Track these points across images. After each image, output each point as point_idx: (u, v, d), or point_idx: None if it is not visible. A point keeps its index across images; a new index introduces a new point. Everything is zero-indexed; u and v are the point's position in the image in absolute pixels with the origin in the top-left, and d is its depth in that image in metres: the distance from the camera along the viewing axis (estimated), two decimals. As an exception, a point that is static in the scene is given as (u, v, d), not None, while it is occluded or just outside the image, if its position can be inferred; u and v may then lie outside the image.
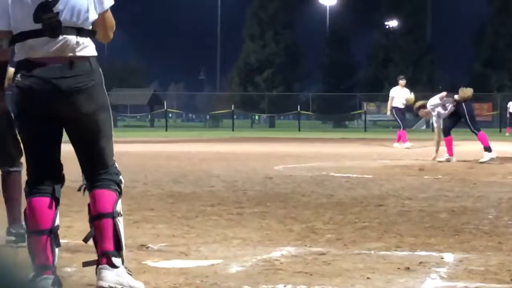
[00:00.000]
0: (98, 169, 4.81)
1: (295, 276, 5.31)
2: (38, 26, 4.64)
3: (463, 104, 16.36)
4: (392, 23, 74.69)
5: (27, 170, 4.88)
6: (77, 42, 4.69)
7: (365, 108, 61.03)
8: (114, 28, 4.89)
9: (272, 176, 13.00)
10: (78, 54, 4.69)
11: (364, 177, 12.86)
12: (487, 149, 16.27)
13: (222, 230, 7.26)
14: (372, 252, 6.21)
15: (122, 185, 4.89)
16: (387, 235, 7.01)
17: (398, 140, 25.54)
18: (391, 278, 5.26)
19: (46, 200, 4.78)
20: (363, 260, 5.85)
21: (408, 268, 5.56)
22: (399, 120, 25.85)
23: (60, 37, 4.65)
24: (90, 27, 4.76)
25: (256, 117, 76.23)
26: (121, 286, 4.63)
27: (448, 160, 16.35)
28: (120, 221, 4.75)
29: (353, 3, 78.75)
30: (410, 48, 71.88)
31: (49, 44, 4.66)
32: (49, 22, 4.61)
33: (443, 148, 16.89)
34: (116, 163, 4.92)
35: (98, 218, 4.72)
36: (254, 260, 5.85)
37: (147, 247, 6.30)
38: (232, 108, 53.21)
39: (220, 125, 67.23)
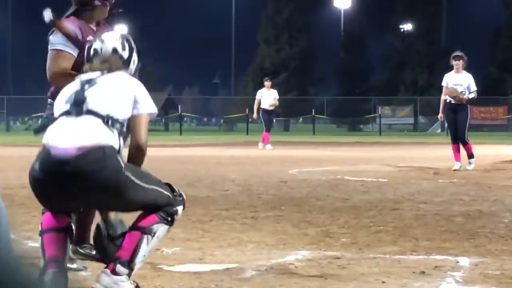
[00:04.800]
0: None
1: (310, 280, 5.30)
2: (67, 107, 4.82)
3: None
4: (407, 27, 74.48)
5: None
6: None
7: (380, 112, 60.87)
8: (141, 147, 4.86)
9: (287, 180, 12.98)
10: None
11: (379, 181, 12.83)
12: (472, 155, 15.75)
13: (237, 234, 7.26)
14: (387, 256, 6.19)
15: (177, 216, 4.86)
16: (402, 239, 6.99)
17: (263, 141, 26.12)
18: (406, 282, 5.25)
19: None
20: (378, 264, 5.84)
21: (424, 272, 5.55)
22: (263, 122, 26.32)
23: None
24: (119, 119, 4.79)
25: (274, 121, 76.17)
26: None
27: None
28: (150, 240, 4.73)
29: (367, 7, 78.62)
30: (425, 51, 71.65)
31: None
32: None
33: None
34: (174, 194, 4.90)
35: (130, 229, 4.81)
36: (269, 264, 5.84)
37: (162, 251, 6.31)
38: (247, 112, 53.19)
39: (235, 129, 67.18)
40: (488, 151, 21.79)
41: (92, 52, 5.04)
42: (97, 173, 4.54)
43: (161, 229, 4.77)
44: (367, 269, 5.65)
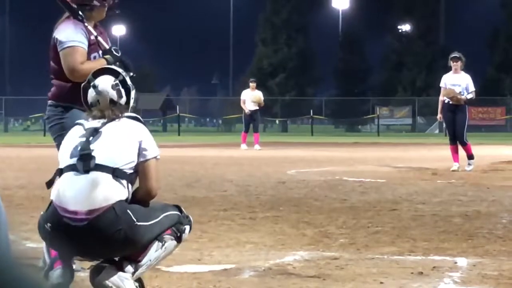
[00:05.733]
0: None
1: (308, 281, 5.30)
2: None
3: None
4: (405, 27, 74.52)
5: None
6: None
7: (378, 113, 60.90)
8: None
9: (285, 180, 12.99)
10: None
11: (377, 181, 12.83)
12: (471, 157, 15.73)
13: (235, 234, 7.26)
14: (385, 256, 6.20)
15: (184, 235, 4.90)
16: (400, 239, 6.99)
17: (255, 143, 26.07)
18: (405, 282, 5.25)
19: None
20: (376, 265, 5.84)
21: (422, 272, 5.55)
22: (244, 123, 26.71)
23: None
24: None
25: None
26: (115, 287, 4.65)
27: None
28: (159, 248, 4.77)
29: (365, 7, 78.70)
30: (423, 52, 71.70)
31: None
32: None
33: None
34: (181, 216, 4.93)
35: None
36: (267, 265, 5.85)
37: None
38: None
39: (233, 130, 67.20)
40: (486, 152, 21.79)
41: (89, 102, 5.00)
42: (112, 236, 4.59)
43: (170, 242, 4.84)
44: (365, 270, 5.65)
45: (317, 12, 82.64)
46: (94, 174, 4.66)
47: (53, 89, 6.03)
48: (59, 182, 4.75)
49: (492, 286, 5.19)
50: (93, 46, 5.88)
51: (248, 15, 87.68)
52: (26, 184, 11.87)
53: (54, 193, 4.75)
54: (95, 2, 5.93)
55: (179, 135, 47.85)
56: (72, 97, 5.85)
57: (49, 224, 4.69)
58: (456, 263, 5.97)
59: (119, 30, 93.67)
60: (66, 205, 4.64)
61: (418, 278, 5.40)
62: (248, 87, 26.88)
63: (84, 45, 5.82)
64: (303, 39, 75.39)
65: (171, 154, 22.63)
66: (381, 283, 5.24)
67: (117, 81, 5.01)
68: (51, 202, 4.75)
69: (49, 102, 6.06)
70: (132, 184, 4.82)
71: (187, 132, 60.90)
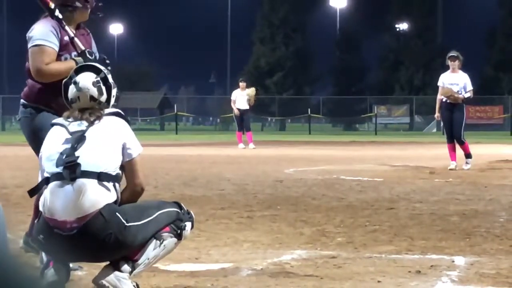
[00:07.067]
0: None
1: (305, 280, 5.31)
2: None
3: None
4: (403, 26, 74.53)
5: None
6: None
7: (375, 111, 60.93)
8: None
9: (283, 179, 12.98)
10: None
11: (374, 180, 12.83)
12: (469, 155, 15.75)
13: (233, 233, 7.26)
14: (383, 255, 6.20)
15: (185, 232, 4.90)
16: (398, 238, 6.99)
17: (250, 142, 26.05)
18: (402, 281, 5.26)
19: None
20: (374, 264, 5.84)
21: (419, 271, 5.55)
22: (236, 122, 26.75)
23: None
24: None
25: (270, 119, 76.04)
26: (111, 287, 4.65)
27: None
28: (157, 246, 4.77)
29: (363, 6, 78.61)
30: (421, 51, 71.69)
31: None
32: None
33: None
34: (181, 211, 4.93)
35: None
36: (265, 264, 5.85)
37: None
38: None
39: (231, 128, 67.11)
40: (484, 151, 21.80)
41: (69, 99, 4.96)
42: (103, 240, 4.59)
43: (169, 239, 4.83)
44: (363, 269, 5.66)
45: (315, 10, 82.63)
46: (79, 182, 4.64)
47: (25, 88, 5.99)
48: (46, 192, 4.74)
49: (489, 284, 5.19)
50: (65, 47, 5.82)
51: (245, 14, 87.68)
52: (23, 183, 11.85)
53: (42, 204, 4.74)
54: (77, 4, 5.89)
55: (176, 133, 47.83)
56: (42, 98, 5.81)
57: (41, 236, 4.69)
58: (453, 261, 5.97)
59: (116, 28, 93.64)
60: (55, 216, 4.64)
61: (415, 277, 5.41)
62: (238, 87, 26.84)
63: (54, 45, 5.76)
64: (301, 37, 75.37)
65: (168, 153, 22.63)
66: (379, 282, 5.24)
67: (98, 78, 4.98)
68: (41, 213, 4.74)
69: (21, 101, 6.03)
70: (119, 182, 4.81)
71: (185, 131, 60.84)
